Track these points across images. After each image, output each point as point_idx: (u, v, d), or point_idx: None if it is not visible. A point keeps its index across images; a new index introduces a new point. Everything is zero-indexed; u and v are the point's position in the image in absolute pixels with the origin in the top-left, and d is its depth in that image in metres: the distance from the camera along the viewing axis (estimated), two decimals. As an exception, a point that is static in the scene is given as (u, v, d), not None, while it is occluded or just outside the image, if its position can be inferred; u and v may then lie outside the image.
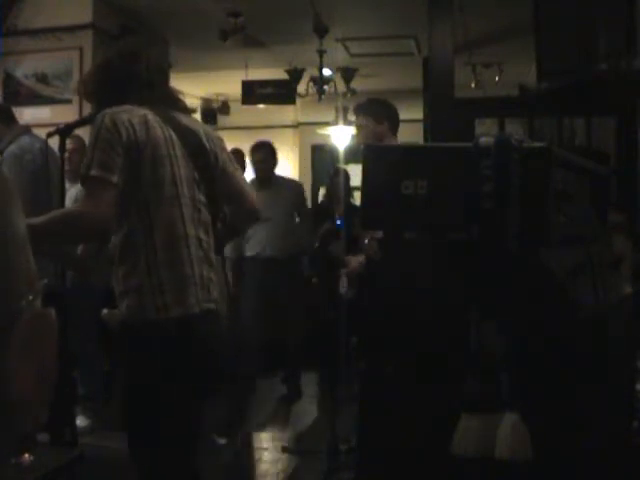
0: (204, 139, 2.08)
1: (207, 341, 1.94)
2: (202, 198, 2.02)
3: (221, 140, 2.19)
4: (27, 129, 3.85)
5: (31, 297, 0.84)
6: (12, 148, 3.66)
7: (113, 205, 1.84)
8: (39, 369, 0.85)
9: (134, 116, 1.94)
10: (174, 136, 1.99)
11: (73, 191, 4.44)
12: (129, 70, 2.07)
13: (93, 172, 1.84)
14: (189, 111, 2.19)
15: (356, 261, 3.54)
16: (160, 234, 1.90)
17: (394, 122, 3.63)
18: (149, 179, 1.91)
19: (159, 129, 1.96)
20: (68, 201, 4.27)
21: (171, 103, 2.12)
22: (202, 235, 1.99)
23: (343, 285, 3.83)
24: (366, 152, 1.80)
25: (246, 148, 5.53)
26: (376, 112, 3.60)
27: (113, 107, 1.97)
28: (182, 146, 2.00)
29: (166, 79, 2.19)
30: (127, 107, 1.97)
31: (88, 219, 1.85)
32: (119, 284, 1.92)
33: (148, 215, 1.91)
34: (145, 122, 1.94)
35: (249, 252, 5.22)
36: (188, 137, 2.04)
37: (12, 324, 0.81)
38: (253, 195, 2.22)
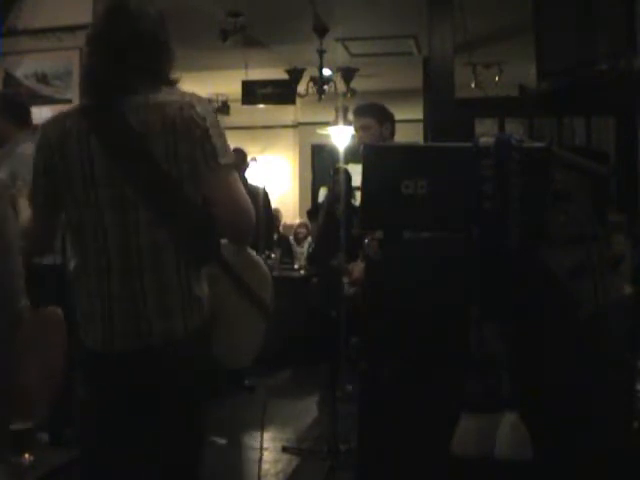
0: (154, 142, 1.72)
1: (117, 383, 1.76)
2: (143, 218, 1.72)
3: (197, 126, 1.73)
4: (32, 133, 3.84)
5: (24, 299, 0.84)
6: (23, 147, 3.63)
7: (36, 223, 1.87)
8: (45, 364, 0.86)
9: (54, 129, 1.79)
10: (97, 151, 1.73)
11: None
12: (103, 41, 1.80)
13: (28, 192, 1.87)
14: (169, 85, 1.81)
15: (359, 270, 3.53)
16: (77, 262, 1.80)
17: (393, 127, 3.68)
18: (67, 203, 1.79)
19: (76, 148, 1.74)
20: None
21: (150, 79, 1.79)
22: (137, 262, 1.73)
23: (348, 289, 3.83)
24: (366, 152, 1.80)
25: (247, 148, 5.53)
26: (380, 114, 3.64)
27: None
28: (112, 162, 1.72)
29: (156, 48, 1.83)
30: (64, 112, 1.84)
31: (26, 237, 1.93)
32: None
33: (72, 240, 1.82)
34: (62, 139, 1.76)
35: None
36: (124, 148, 1.74)
37: (19, 321, 0.82)
38: (230, 203, 1.78)
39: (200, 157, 1.74)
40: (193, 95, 1.81)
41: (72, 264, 1.82)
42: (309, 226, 8.35)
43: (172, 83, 1.85)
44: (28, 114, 3.88)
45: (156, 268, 1.74)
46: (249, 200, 1.81)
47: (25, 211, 1.98)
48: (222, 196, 1.77)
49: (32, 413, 1.97)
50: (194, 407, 1.82)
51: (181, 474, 1.82)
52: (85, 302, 1.78)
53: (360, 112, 3.71)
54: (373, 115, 3.62)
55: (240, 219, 1.80)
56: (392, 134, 3.68)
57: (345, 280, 3.71)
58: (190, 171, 1.75)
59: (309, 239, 7.89)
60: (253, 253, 2.02)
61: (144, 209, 1.73)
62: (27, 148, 3.65)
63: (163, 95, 1.79)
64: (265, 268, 2.05)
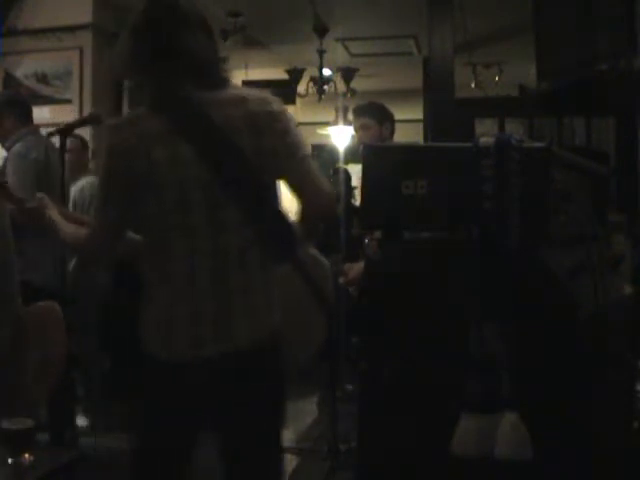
0: (239, 135, 1.71)
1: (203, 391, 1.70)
2: (232, 219, 1.70)
3: (278, 122, 1.75)
4: (34, 129, 3.85)
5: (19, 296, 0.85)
6: (17, 147, 3.66)
7: (104, 238, 1.80)
8: (44, 360, 0.86)
9: (133, 133, 1.69)
10: (184, 152, 1.68)
11: (77, 186, 4.45)
12: (151, 42, 1.75)
13: (95, 204, 1.80)
14: (224, 84, 1.78)
15: (356, 270, 3.52)
16: (159, 268, 1.73)
17: (393, 126, 3.69)
18: (149, 209, 1.71)
19: (161, 147, 1.68)
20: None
21: (211, 77, 1.76)
22: (224, 265, 1.70)
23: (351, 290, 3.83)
24: (366, 152, 1.80)
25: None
26: (380, 114, 3.64)
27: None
28: (197, 162, 1.68)
29: (210, 45, 1.80)
30: (132, 115, 1.77)
31: (78, 248, 1.95)
32: None
33: (153, 248, 1.74)
34: (145, 141, 1.68)
35: None
36: (212, 145, 1.71)
37: (18, 318, 0.82)
38: (318, 188, 1.78)
39: (283, 150, 1.75)
40: (264, 92, 1.83)
41: (148, 272, 1.74)
42: None
43: (227, 81, 1.81)
44: (30, 112, 3.91)
45: (242, 268, 1.72)
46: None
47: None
48: (311, 184, 1.78)
49: (31, 411, 1.97)
50: (278, 408, 1.81)
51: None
52: (164, 310, 1.70)
53: (359, 112, 3.72)
54: (372, 115, 3.63)
55: (329, 202, 1.84)
56: (392, 134, 3.68)
57: (341, 280, 3.70)
58: (273, 166, 1.75)
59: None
60: (317, 252, 2.03)
61: (233, 208, 1.70)
62: (22, 147, 3.67)
63: (236, 90, 1.79)
64: (328, 267, 2.05)
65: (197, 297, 1.69)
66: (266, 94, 1.82)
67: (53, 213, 2.02)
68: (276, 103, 1.79)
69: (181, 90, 1.73)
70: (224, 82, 1.79)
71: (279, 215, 1.80)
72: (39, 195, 2.06)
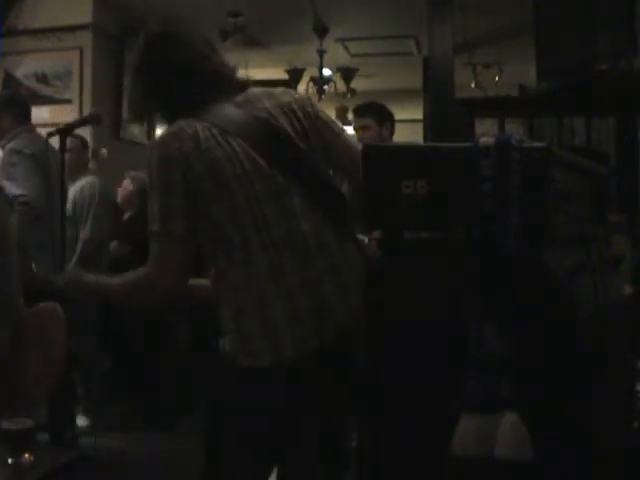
0: (283, 123, 1.75)
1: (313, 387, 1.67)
2: (297, 203, 1.70)
3: (310, 106, 1.82)
4: (31, 128, 3.86)
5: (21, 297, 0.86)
6: (12, 144, 3.67)
7: (181, 258, 1.68)
8: (44, 359, 0.86)
9: (184, 142, 1.67)
10: (240, 146, 1.69)
11: (76, 186, 4.45)
12: (168, 65, 1.75)
13: (154, 227, 1.67)
14: (245, 85, 1.84)
15: None
16: (245, 270, 1.67)
17: (393, 126, 3.69)
18: (221, 213, 1.67)
19: (218, 148, 1.67)
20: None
21: (229, 83, 1.81)
22: (304, 250, 1.68)
23: None
24: (366, 152, 1.80)
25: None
26: (380, 115, 3.65)
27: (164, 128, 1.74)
28: (256, 154, 1.69)
29: (215, 57, 1.84)
30: (176, 125, 1.72)
31: (148, 284, 1.73)
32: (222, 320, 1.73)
33: (232, 252, 1.68)
34: (199, 147, 1.66)
35: None
36: (261, 137, 1.71)
37: (19, 319, 0.82)
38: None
39: (323, 127, 1.82)
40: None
41: (230, 283, 1.68)
42: None
43: (247, 84, 1.89)
44: (29, 112, 3.92)
45: (322, 251, 1.71)
46: None
47: None
48: (356, 152, 1.80)
49: (31, 411, 1.97)
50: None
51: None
52: (255, 314, 1.65)
53: (359, 112, 3.73)
54: (372, 115, 3.64)
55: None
56: (392, 133, 3.69)
57: None
58: (319, 144, 1.80)
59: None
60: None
61: (297, 193, 1.71)
62: (16, 143, 3.67)
63: (258, 89, 1.85)
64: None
65: (287, 292, 1.66)
66: (282, 87, 1.90)
67: (89, 280, 1.88)
68: (294, 92, 1.89)
69: (213, 98, 1.76)
70: (245, 85, 1.85)
71: (339, 195, 1.82)
72: (70, 271, 2.04)
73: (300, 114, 1.80)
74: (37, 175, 3.51)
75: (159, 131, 7.17)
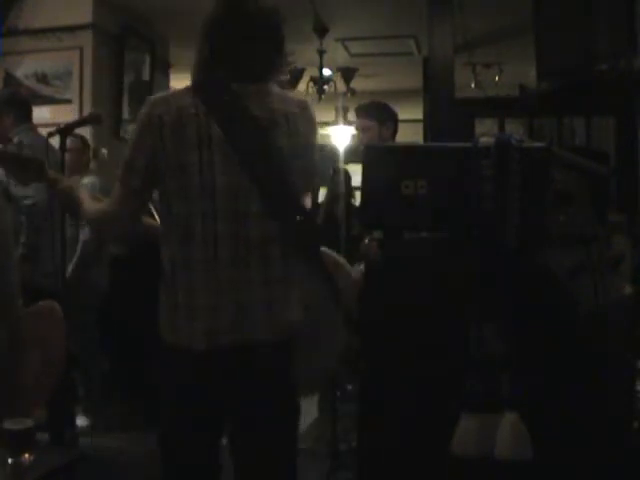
0: (278, 128, 1.74)
1: (217, 377, 1.71)
2: (255, 209, 1.70)
3: (310, 126, 1.82)
4: (33, 127, 3.86)
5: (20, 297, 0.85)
6: (12, 144, 3.67)
7: (124, 206, 1.78)
8: (44, 359, 0.86)
9: (169, 111, 1.69)
10: (218, 135, 1.69)
11: None
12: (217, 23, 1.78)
13: (119, 172, 1.77)
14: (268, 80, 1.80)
15: (355, 274, 3.50)
16: (180, 253, 1.71)
17: (396, 125, 3.67)
18: (172, 189, 1.70)
19: (194, 128, 1.68)
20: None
21: (255, 69, 1.78)
22: (245, 253, 1.70)
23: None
24: (366, 152, 1.80)
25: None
26: (380, 114, 3.63)
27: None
28: (230, 149, 1.69)
29: (262, 41, 1.79)
30: (174, 92, 1.77)
31: (96, 217, 1.92)
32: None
33: (173, 230, 1.72)
34: (178, 122, 1.69)
35: None
36: (245, 136, 1.71)
37: (17, 319, 0.82)
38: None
39: (311, 154, 1.82)
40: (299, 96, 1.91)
41: (167, 256, 1.74)
42: None
43: (274, 76, 1.83)
44: (30, 111, 3.92)
45: (264, 260, 1.72)
46: None
47: None
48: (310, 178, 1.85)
49: (31, 411, 1.97)
50: (287, 408, 1.87)
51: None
52: (183, 297, 1.70)
53: (360, 113, 3.71)
54: (372, 115, 3.61)
55: None
56: (394, 133, 3.66)
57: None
58: (303, 166, 1.78)
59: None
60: (343, 260, 2.04)
61: (257, 200, 1.71)
62: (17, 141, 3.68)
63: (281, 89, 1.82)
64: (350, 271, 2.05)
65: (216, 285, 1.69)
66: (303, 98, 1.87)
67: (83, 193, 2.03)
68: (312, 110, 1.84)
69: (240, 75, 1.75)
70: (269, 76, 1.80)
71: (304, 213, 1.80)
72: (73, 178, 2.13)
73: (302, 129, 1.79)
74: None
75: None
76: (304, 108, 1.81)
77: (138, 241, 2.36)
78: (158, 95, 1.79)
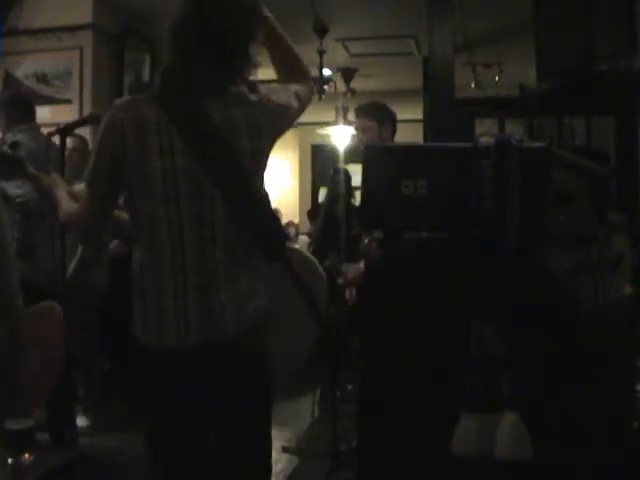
0: (239, 136, 1.75)
1: (193, 375, 1.73)
2: (219, 214, 1.72)
3: (274, 116, 1.83)
4: (34, 127, 3.86)
5: (21, 296, 0.85)
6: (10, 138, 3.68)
7: (91, 210, 1.82)
8: (44, 359, 0.86)
9: (129, 116, 1.70)
10: (178, 144, 1.70)
11: (79, 187, 4.45)
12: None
13: (86, 176, 1.82)
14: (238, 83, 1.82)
15: (354, 272, 3.50)
16: (148, 256, 1.74)
17: (395, 126, 3.67)
18: (137, 195, 1.72)
19: (156, 136, 1.69)
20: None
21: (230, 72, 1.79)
22: (211, 257, 1.72)
23: (349, 296, 3.81)
24: (366, 152, 1.80)
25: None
26: (380, 115, 3.63)
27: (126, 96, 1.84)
28: (190, 156, 1.70)
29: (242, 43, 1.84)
30: (136, 98, 1.76)
31: (66, 221, 1.97)
32: None
33: (141, 235, 1.75)
34: (139, 127, 1.69)
35: None
36: (206, 144, 1.73)
37: (17, 319, 0.82)
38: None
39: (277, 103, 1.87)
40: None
41: (137, 260, 1.77)
42: (297, 225, 8.35)
43: (250, 82, 1.86)
44: (32, 112, 3.92)
45: (229, 263, 1.74)
46: None
47: None
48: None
49: (31, 411, 1.97)
50: (262, 400, 1.85)
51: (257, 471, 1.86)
52: (152, 300, 1.74)
53: (360, 113, 3.71)
54: (372, 116, 3.61)
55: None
56: (393, 133, 3.66)
57: (340, 281, 3.69)
58: (263, 166, 1.82)
59: (300, 238, 7.90)
60: (310, 256, 2.05)
61: (220, 204, 1.72)
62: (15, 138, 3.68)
63: (245, 91, 1.83)
64: (321, 270, 2.06)
65: (183, 288, 1.72)
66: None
67: (61, 192, 2.04)
68: (259, 87, 1.87)
69: (201, 81, 1.76)
70: (234, 79, 1.81)
71: (267, 215, 1.83)
72: (53, 175, 2.14)
73: (263, 131, 1.80)
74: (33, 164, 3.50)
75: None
76: (256, 91, 1.83)
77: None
78: (122, 100, 1.80)
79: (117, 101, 1.78)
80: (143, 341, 1.77)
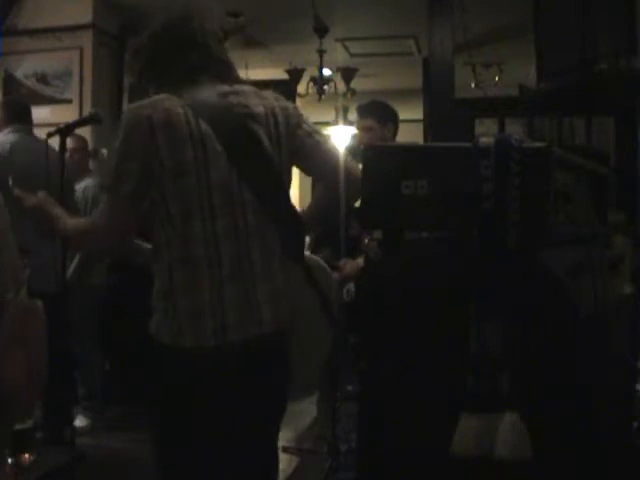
0: (259, 123, 1.79)
1: (236, 374, 1.70)
2: (249, 202, 1.73)
3: (293, 114, 1.89)
4: (21, 128, 3.84)
5: (15, 291, 0.84)
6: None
7: (114, 214, 1.75)
8: (29, 361, 0.85)
9: (156, 112, 1.71)
10: (207, 132, 1.72)
11: (80, 186, 4.45)
12: (180, 36, 1.83)
13: (106, 181, 1.76)
14: (242, 83, 1.90)
15: (352, 266, 3.49)
16: (180, 253, 1.70)
17: (397, 125, 3.65)
18: (169, 190, 1.70)
19: (185, 127, 1.71)
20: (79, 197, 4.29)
21: (226, 73, 1.88)
22: (245, 248, 1.72)
23: (347, 293, 3.81)
24: (366, 152, 1.80)
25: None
26: (382, 114, 3.61)
27: (149, 95, 1.79)
28: (219, 144, 1.72)
29: (222, 46, 1.94)
30: (155, 97, 1.77)
31: (87, 230, 1.83)
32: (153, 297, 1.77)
33: (172, 231, 1.71)
34: (168, 121, 1.70)
35: None
36: (230, 129, 1.76)
37: (3, 315, 0.81)
38: (354, 166, 1.91)
39: (304, 135, 1.88)
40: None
41: (164, 261, 1.72)
42: None
43: (239, 78, 1.92)
44: (24, 115, 3.91)
45: (263, 252, 1.75)
46: None
47: None
48: (335, 159, 1.90)
49: (22, 411, 1.97)
50: (285, 395, 1.88)
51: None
52: (185, 298, 1.69)
53: (362, 112, 3.68)
54: (375, 116, 3.59)
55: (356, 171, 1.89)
56: (395, 133, 3.65)
57: (336, 276, 3.68)
58: (290, 155, 1.84)
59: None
60: (321, 260, 2.06)
61: (249, 191, 1.74)
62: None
63: (250, 87, 1.88)
64: (332, 275, 2.08)
65: (220, 281, 1.69)
66: (272, 92, 1.94)
67: (54, 210, 1.93)
68: (283, 99, 1.92)
69: (202, 80, 1.81)
70: (239, 80, 1.89)
71: (291, 207, 1.85)
72: (40, 194, 1.99)
73: (281, 119, 1.84)
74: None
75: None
76: (275, 98, 1.89)
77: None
78: (139, 102, 1.79)
79: (133, 104, 1.78)
80: (174, 344, 1.70)
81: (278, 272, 1.77)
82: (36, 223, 1.98)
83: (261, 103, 1.83)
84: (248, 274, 1.72)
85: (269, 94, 1.90)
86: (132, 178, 1.71)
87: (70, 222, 1.89)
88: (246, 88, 1.87)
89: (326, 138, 1.95)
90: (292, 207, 1.86)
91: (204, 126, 1.72)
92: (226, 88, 1.82)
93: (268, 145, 1.79)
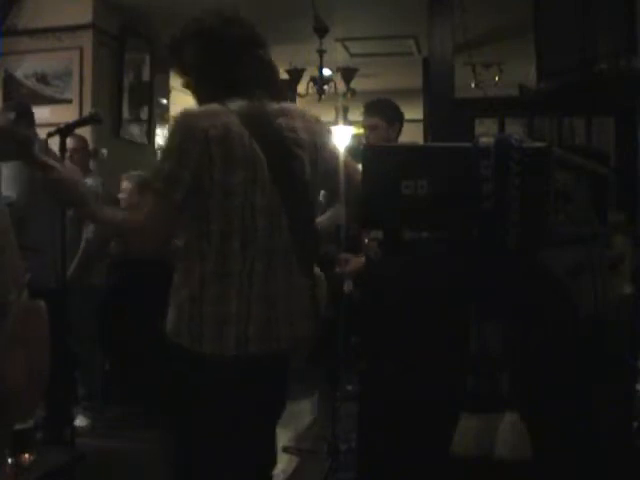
0: (303, 148, 1.84)
1: (249, 386, 1.76)
2: (285, 223, 1.80)
3: (323, 133, 1.93)
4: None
5: (17, 292, 0.84)
6: None
7: (163, 218, 1.74)
8: (30, 362, 0.85)
9: (214, 126, 1.71)
10: (260, 157, 1.75)
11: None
12: (231, 36, 1.81)
13: (158, 184, 1.73)
14: (284, 96, 1.94)
15: (356, 263, 3.50)
16: (216, 267, 1.74)
17: (402, 125, 3.63)
18: (214, 206, 1.73)
19: (240, 150, 1.72)
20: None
21: (277, 90, 1.89)
22: (273, 267, 1.78)
23: (348, 286, 3.80)
24: (366, 152, 1.80)
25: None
26: (389, 114, 3.58)
27: (205, 102, 1.79)
28: (268, 170, 1.76)
29: (273, 63, 1.93)
30: (212, 108, 1.77)
31: (132, 228, 1.80)
32: (172, 294, 1.81)
33: (207, 245, 1.74)
34: (225, 138, 1.71)
35: None
36: (280, 156, 1.79)
37: (1, 319, 0.81)
38: (355, 170, 1.96)
39: (329, 158, 1.94)
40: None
41: (195, 271, 1.75)
42: None
43: (285, 96, 2.01)
44: (25, 114, 3.92)
45: (285, 271, 1.81)
46: None
47: None
48: (356, 172, 1.93)
49: (22, 411, 1.97)
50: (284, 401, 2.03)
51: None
52: (215, 306, 1.73)
53: (369, 111, 3.63)
54: (382, 115, 3.55)
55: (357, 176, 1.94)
56: (399, 134, 3.63)
57: (337, 270, 3.67)
58: (321, 178, 1.91)
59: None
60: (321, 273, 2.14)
61: (286, 216, 1.80)
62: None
63: (295, 106, 1.97)
64: (326, 288, 2.12)
65: (249, 296, 1.75)
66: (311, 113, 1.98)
67: (82, 186, 1.86)
68: (319, 120, 1.97)
69: (253, 94, 1.82)
70: (283, 96, 1.95)
71: (315, 231, 1.93)
72: (67, 163, 1.97)
73: (319, 144, 1.90)
74: (22, 177, 3.50)
75: (159, 131, 7.13)
76: (315, 121, 1.94)
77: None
78: (196, 109, 1.80)
79: (189, 110, 1.78)
80: (193, 349, 1.74)
81: (295, 291, 1.84)
82: (58, 199, 1.90)
83: (304, 127, 1.87)
84: (272, 292, 1.78)
85: (311, 116, 1.94)
86: (184, 187, 1.72)
87: (107, 210, 1.87)
88: (292, 108, 1.92)
89: (347, 164, 1.99)
90: (316, 230, 1.94)
91: (258, 150, 1.75)
92: (275, 107, 1.85)
93: (308, 172, 1.84)
